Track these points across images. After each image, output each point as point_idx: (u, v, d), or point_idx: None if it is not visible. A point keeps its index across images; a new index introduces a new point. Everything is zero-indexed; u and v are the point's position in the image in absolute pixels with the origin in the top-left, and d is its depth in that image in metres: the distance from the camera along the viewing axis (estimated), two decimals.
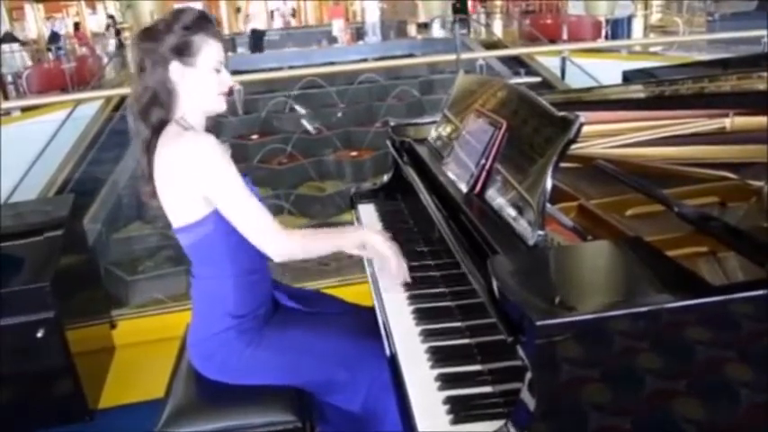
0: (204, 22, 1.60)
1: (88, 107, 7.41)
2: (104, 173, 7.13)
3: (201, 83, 1.60)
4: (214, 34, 1.61)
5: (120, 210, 6.87)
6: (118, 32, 15.32)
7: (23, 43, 15.16)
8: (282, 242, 1.57)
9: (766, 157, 1.71)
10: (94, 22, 21.18)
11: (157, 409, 1.68)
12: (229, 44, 13.75)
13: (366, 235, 1.68)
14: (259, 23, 17.78)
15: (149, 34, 1.59)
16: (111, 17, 18.57)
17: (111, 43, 14.21)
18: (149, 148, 1.59)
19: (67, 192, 5.68)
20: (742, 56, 3.56)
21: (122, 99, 8.34)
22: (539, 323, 0.95)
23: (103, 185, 6.83)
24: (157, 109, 1.58)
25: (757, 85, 1.39)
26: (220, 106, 1.65)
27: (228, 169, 1.54)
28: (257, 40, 14.12)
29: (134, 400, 2.59)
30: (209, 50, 1.59)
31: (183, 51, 1.57)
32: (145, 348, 2.95)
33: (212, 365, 1.68)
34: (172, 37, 1.57)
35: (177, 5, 1.76)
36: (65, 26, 20.17)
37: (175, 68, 1.57)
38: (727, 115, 1.98)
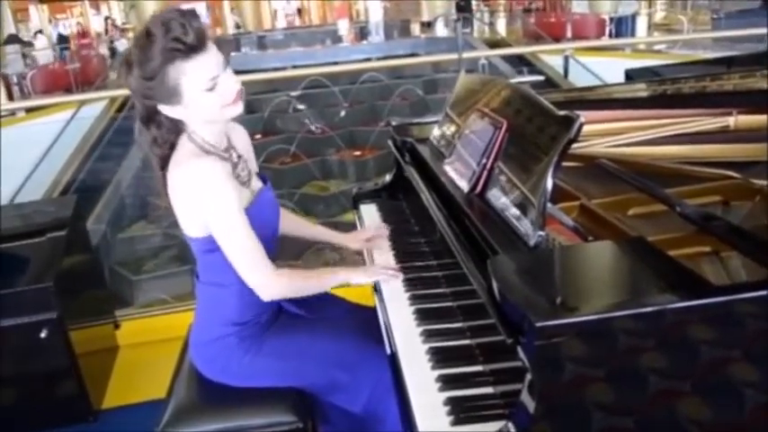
0: (171, 53, 1.37)
1: (92, 107, 7.42)
2: (109, 173, 7.15)
3: (199, 109, 1.46)
4: (189, 53, 1.38)
5: (124, 210, 6.88)
6: (123, 32, 15.37)
7: (28, 44, 15.19)
8: (271, 286, 1.56)
9: None
10: (98, 23, 21.22)
11: (160, 410, 1.68)
12: (232, 44, 13.74)
13: (350, 276, 1.70)
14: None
15: (121, 74, 1.45)
16: (107, 18, 18.62)
17: (123, 43, 14.23)
18: (162, 166, 1.55)
19: (72, 192, 5.70)
20: (746, 54, 3.54)
21: (126, 99, 8.39)
22: (539, 324, 0.94)
23: (108, 186, 6.85)
24: (158, 147, 1.53)
25: (761, 83, 1.38)
26: (234, 112, 1.50)
27: (227, 204, 1.47)
28: None
29: (137, 400, 2.59)
30: (189, 79, 1.40)
31: (157, 97, 1.43)
32: (148, 348, 2.95)
33: (214, 368, 1.68)
34: (135, 83, 1.42)
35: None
36: (69, 27, 20.24)
37: (164, 108, 1.46)
38: (730, 114, 1.97)
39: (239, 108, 1.50)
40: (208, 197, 1.47)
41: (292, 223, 1.94)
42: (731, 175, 1.60)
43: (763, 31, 6.34)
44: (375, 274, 1.71)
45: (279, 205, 1.76)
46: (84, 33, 19.68)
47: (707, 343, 1.02)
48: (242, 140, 1.70)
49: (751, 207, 1.49)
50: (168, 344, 2.14)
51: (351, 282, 1.69)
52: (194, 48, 1.39)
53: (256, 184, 1.68)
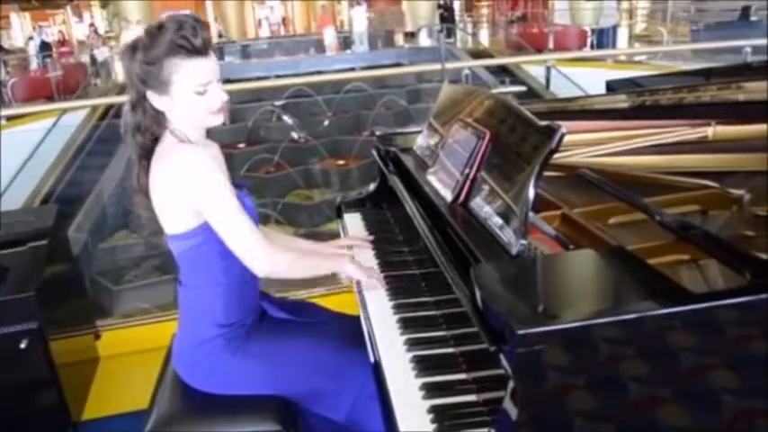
0: (176, 48, 1.47)
1: (74, 116, 7.37)
2: (90, 182, 7.09)
3: (184, 107, 1.54)
4: (191, 54, 1.49)
5: (105, 219, 6.83)
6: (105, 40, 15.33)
7: (8, 51, 15.06)
8: (268, 258, 1.57)
9: (747, 166, 1.73)
10: (81, 31, 21.10)
11: (141, 421, 1.66)
12: (217, 53, 13.69)
13: (342, 266, 1.75)
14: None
15: (124, 56, 1.54)
16: (91, 24, 18.56)
17: (103, 51, 14.18)
18: (142, 161, 1.58)
19: (52, 201, 5.64)
20: (724, 66, 3.60)
21: (108, 108, 8.34)
22: (520, 332, 0.95)
23: (89, 195, 6.79)
24: (140, 134, 1.57)
25: (738, 95, 1.40)
26: (215, 122, 1.58)
27: (220, 184, 1.52)
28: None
29: (118, 411, 2.56)
30: (182, 76, 1.49)
31: (149, 84, 1.51)
32: (129, 359, 2.92)
33: (198, 374, 1.67)
34: (135, 66, 1.51)
35: (163, 15, 1.73)
36: (52, 34, 20.11)
37: (151, 96, 1.53)
38: (709, 124, 2.00)
39: (220, 119, 1.58)
40: (200, 179, 1.51)
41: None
42: (709, 185, 1.62)
43: (740, 43, 6.46)
44: (363, 275, 1.73)
45: (257, 210, 1.76)
46: (64, 41, 19.55)
47: (686, 350, 1.03)
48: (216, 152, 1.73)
49: (728, 216, 1.52)
50: (150, 354, 2.12)
51: (340, 272, 1.75)
52: (198, 50, 1.49)
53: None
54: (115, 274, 5.77)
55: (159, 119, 1.57)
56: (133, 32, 12.10)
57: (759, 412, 1.09)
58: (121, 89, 11.46)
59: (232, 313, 1.64)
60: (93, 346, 3.04)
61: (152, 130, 1.57)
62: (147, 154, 1.58)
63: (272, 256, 1.57)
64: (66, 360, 2.52)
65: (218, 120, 1.58)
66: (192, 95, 1.51)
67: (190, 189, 1.51)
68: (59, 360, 2.41)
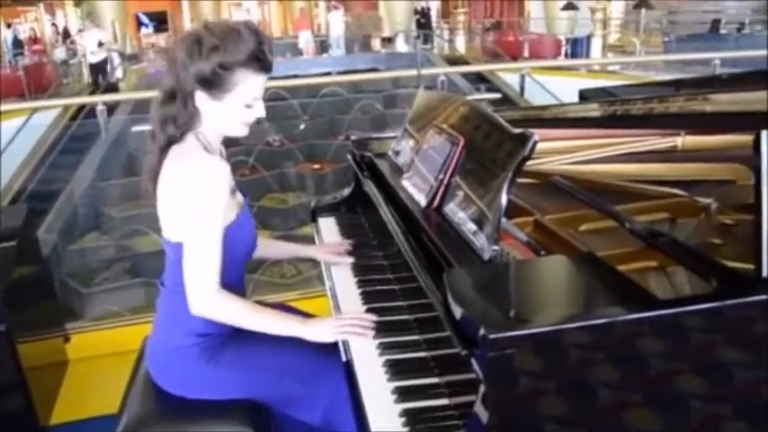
0: (253, 62, 1.47)
1: (45, 115, 7.27)
2: (61, 182, 6.99)
3: (228, 115, 1.53)
4: (261, 70, 1.50)
5: (76, 220, 6.74)
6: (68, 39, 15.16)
7: None
8: (210, 305, 1.53)
9: (714, 176, 1.77)
10: (54, 29, 20.79)
11: (111, 425, 1.65)
12: None
13: (308, 331, 1.57)
14: None
15: (186, 46, 1.48)
16: (54, 24, 18.32)
17: (63, 51, 13.99)
18: (160, 155, 1.55)
19: (22, 201, 5.55)
20: (694, 77, 3.68)
21: (80, 108, 8.24)
22: (491, 336, 0.97)
23: (59, 195, 6.70)
24: (174, 126, 1.53)
25: (705, 106, 1.44)
26: (241, 133, 1.59)
27: (216, 211, 1.48)
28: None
29: (87, 415, 2.53)
30: (245, 88, 1.49)
31: (211, 86, 1.48)
32: (100, 362, 2.88)
33: (172, 378, 1.66)
34: (204, 65, 1.46)
35: (235, 16, 1.68)
36: (24, 32, 19.79)
37: (201, 98, 1.50)
38: (678, 134, 2.05)
39: (246, 131, 1.59)
40: (202, 196, 1.47)
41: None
42: (678, 194, 1.66)
43: (710, 55, 6.59)
44: (337, 334, 1.56)
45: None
46: (36, 39, 19.25)
47: (654, 355, 1.05)
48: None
49: (696, 224, 1.55)
50: (121, 357, 2.10)
51: (304, 338, 1.57)
52: (267, 69, 1.51)
53: (239, 195, 1.68)
54: (85, 276, 5.70)
55: (197, 117, 1.54)
56: (94, 34, 11.87)
57: (725, 417, 1.11)
58: (92, 90, 11.38)
59: (211, 325, 1.61)
60: (62, 349, 2.99)
61: (185, 126, 1.54)
62: (167, 148, 1.55)
63: (216, 303, 1.53)
64: (34, 363, 2.48)
65: (244, 131, 1.59)
66: (242, 107, 1.52)
67: (191, 200, 1.48)
68: (27, 363, 2.37)
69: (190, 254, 1.51)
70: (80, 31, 15.79)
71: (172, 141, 1.54)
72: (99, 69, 12.27)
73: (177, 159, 1.52)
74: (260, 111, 1.56)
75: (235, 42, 1.45)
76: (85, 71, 12.97)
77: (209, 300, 1.52)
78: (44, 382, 2.64)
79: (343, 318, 1.61)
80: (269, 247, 2.01)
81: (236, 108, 1.52)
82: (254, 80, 1.50)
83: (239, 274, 1.70)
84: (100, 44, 12.16)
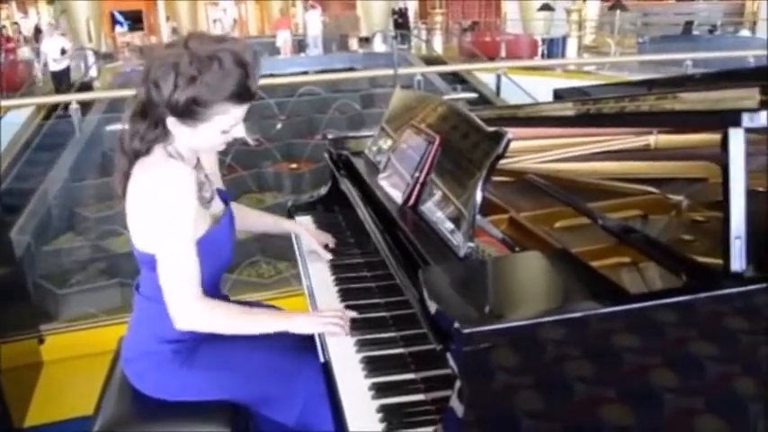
0: (235, 98, 1.37)
1: (17, 114, 7.17)
2: (34, 182, 6.90)
3: (202, 140, 1.45)
4: (243, 102, 1.40)
5: (50, 221, 6.65)
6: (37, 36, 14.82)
7: None
8: (192, 317, 1.49)
9: (685, 174, 1.81)
10: (26, 27, 20.47)
11: (86, 426, 1.63)
12: None
13: (292, 323, 1.55)
14: None
15: (163, 69, 1.35)
16: (15, 23, 18.01)
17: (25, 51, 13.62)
18: (127, 166, 1.49)
19: None
20: (666, 77, 3.73)
21: (54, 107, 8.13)
22: (466, 331, 0.98)
23: (33, 196, 6.61)
24: (139, 141, 1.45)
25: (676, 105, 1.47)
26: (218, 149, 1.54)
27: (184, 219, 1.43)
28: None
29: (62, 417, 2.50)
30: (223, 119, 1.40)
31: (184, 116, 1.38)
32: (74, 364, 2.85)
33: (147, 381, 1.64)
34: (179, 96, 1.34)
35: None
36: None
37: (172, 123, 1.41)
38: (651, 133, 2.08)
39: (222, 147, 1.53)
40: (167, 204, 1.41)
41: (239, 213, 1.86)
42: (650, 191, 1.69)
43: (683, 56, 6.70)
44: (321, 326, 1.55)
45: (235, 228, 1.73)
46: (9, 38, 18.95)
47: (627, 349, 1.07)
48: (209, 160, 1.68)
49: (668, 221, 1.58)
50: (96, 359, 2.08)
51: (290, 330, 1.56)
52: (250, 99, 1.42)
53: (218, 206, 1.65)
54: (60, 277, 5.63)
55: (166, 135, 1.46)
56: (56, 41, 11.51)
57: (698, 410, 1.13)
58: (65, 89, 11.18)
59: (183, 331, 1.60)
60: (36, 350, 2.96)
61: (153, 142, 1.47)
62: (134, 160, 1.49)
63: (200, 316, 1.50)
64: (7, 365, 2.45)
65: (221, 149, 1.54)
66: (218, 133, 1.44)
67: (156, 211, 1.43)
68: (1, 365, 2.34)
69: (164, 265, 1.46)
70: (38, 32, 15.49)
71: (138, 154, 1.48)
72: (62, 77, 11.67)
73: (142, 170, 1.46)
74: (239, 132, 1.48)
75: (215, 77, 1.34)
76: (40, 74, 12.50)
77: (190, 311, 1.48)
78: (18, 383, 2.61)
79: (324, 312, 1.61)
80: (252, 218, 2.00)
81: (211, 135, 1.44)
82: (235, 112, 1.41)
83: (214, 283, 1.66)
84: (63, 51, 11.57)
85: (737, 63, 6.21)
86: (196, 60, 1.33)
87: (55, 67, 11.63)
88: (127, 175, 1.48)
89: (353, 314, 1.58)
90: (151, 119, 1.43)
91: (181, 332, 1.56)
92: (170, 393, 1.62)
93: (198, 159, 1.60)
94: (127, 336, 1.70)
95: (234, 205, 1.78)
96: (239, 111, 1.42)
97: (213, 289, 1.66)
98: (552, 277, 1.24)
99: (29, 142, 7.57)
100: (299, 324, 1.56)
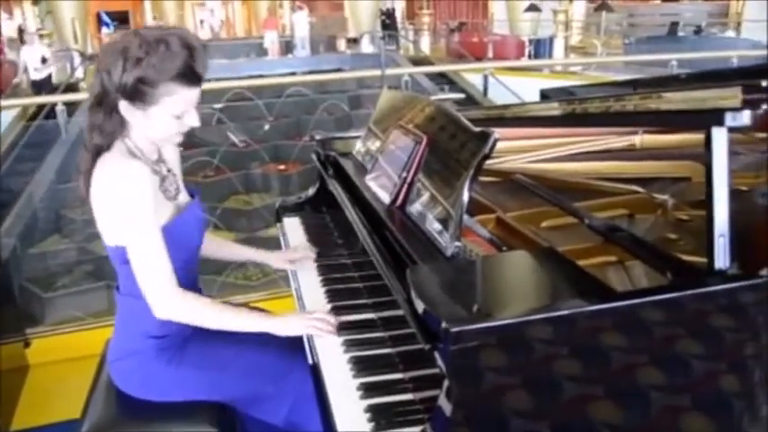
0: (181, 76, 1.40)
1: (3, 115, 7.11)
2: (20, 184, 6.84)
3: (155, 126, 1.48)
4: (189, 84, 1.43)
5: (36, 223, 6.59)
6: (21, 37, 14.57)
7: None
8: (168, 305, 1.50)
9: (670, 173, 1.82)
10: (10, 28, 20.29)
11: (73, 430, 1.62)
12: None
13: (277, 326, 1.57)
14: None
15: (112, 54, 1.41)
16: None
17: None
18: (91, 163, 1.51)
19: None
20: (651, 77, 3.76)
21: (40, 108, 8.07)
22: (454, 330, 0.98)
23: (19, 198, 6.55)
24: (99, 134, 1.48)
25: (660, 104, 1.48)
26: (175, 140, 1.55)
27: (143, 213, 1.45)
28: None
29: (49, 420, 2.49)
30: (172, 101, 1.43)
31: (134, 98, 1.42)
32: (61, 367, 2.84)
33: (133, 383, 1.64)
34: (126, 78, 1.39)
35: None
36: None
37: (124, 106, 1.44)
38: (636, 133, 2.10)
39: (180, 138, 1.55)
40: (126, 200, 1.44)
41: (212, 245, 1.90)
42: (636, 190, 1.70)
43: (668, 56, 6.75)
44: (306, 328, 1.55)
45: (206, 220, 1.73)
46: None
47: (614, 347, 1.08)
48: (172, 154, 1.69)
49: (653, 220, 1.59)
50: (83, 362, 2.07)
51: (272, 332, 1.56)
52: (198, 81, 1.45)
53: (183, 198, 1.66)
54: (46, 280, 5.58)
55: (123, 125, 1.49)
56: (37, 49, 11.23)
57: (684, 407, 1.14)
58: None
59: (166, 325, 1.59)
60: (22, 353, 2.94)
61: (111, 135, 1.49)
62: (97, 156, 1.51)
63: (173, 305, 1.50)
64: None
65: (177, 140, 1.55)
66: (171, 118, 1.46)
67: (117, 206, 1.46)
68: None
69: (135, 259, 1.48)
70: (38, 29, 15.32)
71: (100, 150, 1.50)
72: (42, 86, 11.17)
73: (102, 167, 1.48)
74: (192, 120, 1.50)
75: (161, 58, 1.39)
76: (21, 80, 12.10)
77: (168, 301, 1.50)
78: (4, 387, 2.59)
79: (310, 314, 1.61)
80: (224, 249, 1.98)
81: (163, 119, 1.46)
82: (184, 94, 1.44)
83: (188, 278, 1.66)
84: (44, 60, 11.13)
85: (722, 64, 6.27)
86: (145, 44, 1.39)
87: (36, 76, 11.12)
88: (90, 174, 1.50)
89: (338, 318, 1.58)
90: (106, 108, 1.47)
91: (165, 327, 1.57)
92: (157, 393, 1.62)
93: (160, 154, 1.62)
94: (112, 337, 1.69)
95: (209, 236, 1.82)
96: (187, 93, 1.44)
97: (191, 284, 1.66)
98: (540, 276, 1.25)
99: (13, 145, 7.51)
100: (282, 326, 1.57)
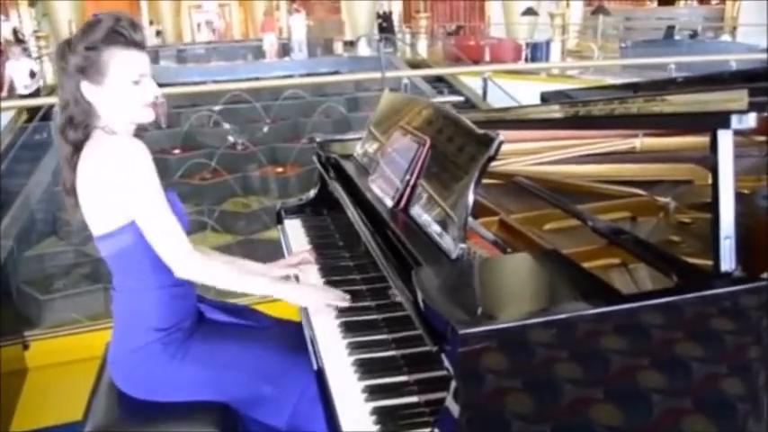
0: (115, 36, 1.52)
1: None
2: (17, 186, 6.83)
3: (119, 98, 1.55)
4: (129, 44, 1.54)
5: (33, 225, 6.58)
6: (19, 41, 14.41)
7: None
8: (193, 261, 1.54)
9: (672, 176, 1.83)
10: (8, 30, 20.25)
11: None
12: (152, 55, 13.41)
13: (294, 295, 1.66)
14: None
15: (59, 51, 1.55)
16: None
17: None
18: (70, 160, 1.55)
19: None
20: (651, 80, 3.77)
21: (35, 110, 8.05)
22: (462, 332, 0.98)
23: (15, 200, 6.53)
24: (73, 129, 1.55)
25: (662, 107, 1.48)
26: (146, 117, 1.59)
27: (150, 179, 1.51)
28: None
29: (49, 423, 2.48)
30: (120, 65, 1.53)
31: (87, 71, 1.52)
32: (60, 370, 2.83)
33: (135, 382, 1.63)
34: (75, 57, 1.52)
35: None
36: None
37: (86, 88, 1.53)
38: (636, 136, 2.10)
39: (151, 114, 1.60)
40: (131, 172, 1.49)
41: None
42: (638, 193, 1.71)
43: (665, 60, 6.78)
44: (315, 302, 1.64)
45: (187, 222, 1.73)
46: None
47: (619, 349, 1.08)
48: None
49: (656, 222, 1.60)
50: (83, 364, 2.07)
51: (289, 301, 1.64)
52: (135, 43, 1.55)
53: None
54: (43, 282, 5.56)
55: (91, 111, 1.56)
56: (24, 64, 10.94)
57: (687, 410, 1.14)
58: (50, 90, 10.94)
59: (168, 317, 1.60)
60: (20, 356, 2.92)
61: (85, 125, 1.56)
62: (76, 151, 1.56)
63: (198, 260, 1.55)
64: None
65: (149, 115, 1.59)
66: (129, 85, 1.54)
67: (118, 181, 1.49)
68: None
69: (149, 225, 1.51)
70: (34, 31, 15.25)
71: (78, 144, 1.56)
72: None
73: (90, 155, 1.54)
74: (151, 87, 1.58)
75: (92, 27, 1.52)
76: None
77: (188, 256, 1.54)
78: (3, 390, 2.58)
79: (325, 290, 1.70)
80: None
81: (121, 88, 1.54)
82: (126, 56, 1.53)
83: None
84: (32, 74, 10.59)
85: (719, 67, 6.28)
86: (85, 26, 1.55)
87: (24, 92, 10.27)
88: (74, 166, 1.55)
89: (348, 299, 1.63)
90: (72, 100, 1.55)
91: (165, 318, 1.58)
92: (160, 393, 1.62)
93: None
94: (112, 338, 1.69)
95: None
96: (130, 55, 1.54)
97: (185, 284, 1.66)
98: (545, 278, 1.24)
99: (9, 147, 7.49)
100: (292, 294, 1.66)
